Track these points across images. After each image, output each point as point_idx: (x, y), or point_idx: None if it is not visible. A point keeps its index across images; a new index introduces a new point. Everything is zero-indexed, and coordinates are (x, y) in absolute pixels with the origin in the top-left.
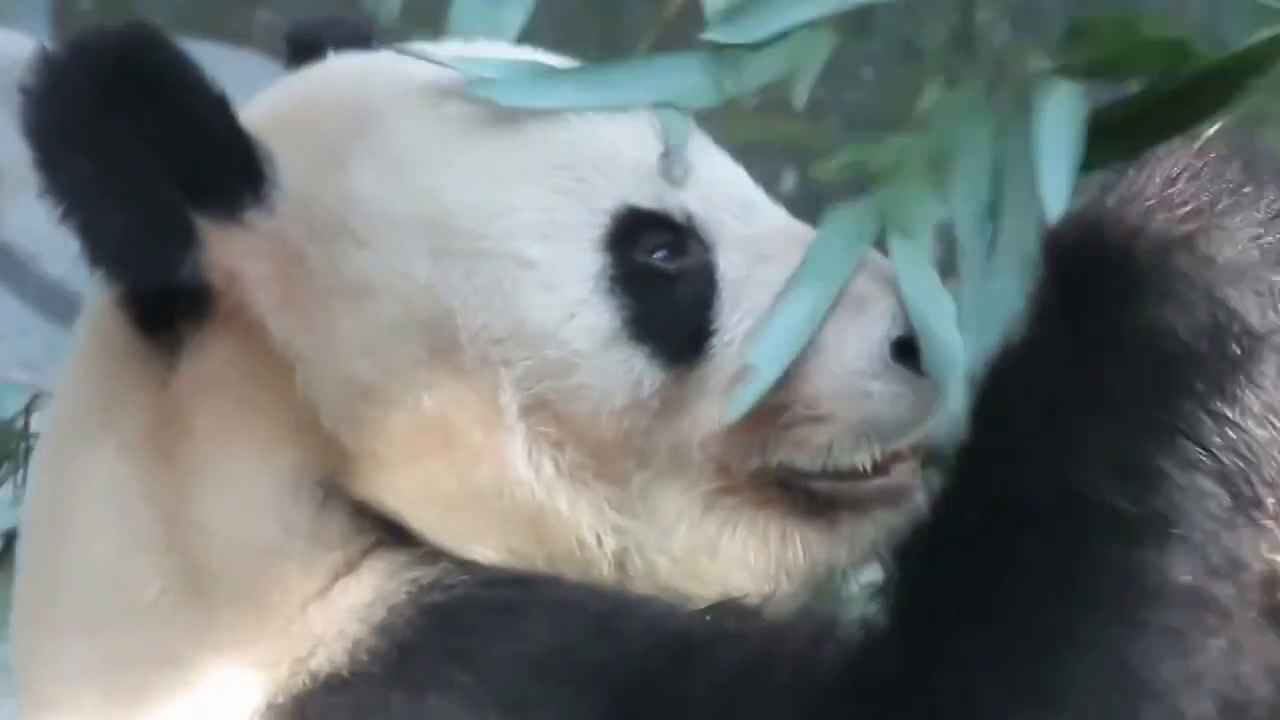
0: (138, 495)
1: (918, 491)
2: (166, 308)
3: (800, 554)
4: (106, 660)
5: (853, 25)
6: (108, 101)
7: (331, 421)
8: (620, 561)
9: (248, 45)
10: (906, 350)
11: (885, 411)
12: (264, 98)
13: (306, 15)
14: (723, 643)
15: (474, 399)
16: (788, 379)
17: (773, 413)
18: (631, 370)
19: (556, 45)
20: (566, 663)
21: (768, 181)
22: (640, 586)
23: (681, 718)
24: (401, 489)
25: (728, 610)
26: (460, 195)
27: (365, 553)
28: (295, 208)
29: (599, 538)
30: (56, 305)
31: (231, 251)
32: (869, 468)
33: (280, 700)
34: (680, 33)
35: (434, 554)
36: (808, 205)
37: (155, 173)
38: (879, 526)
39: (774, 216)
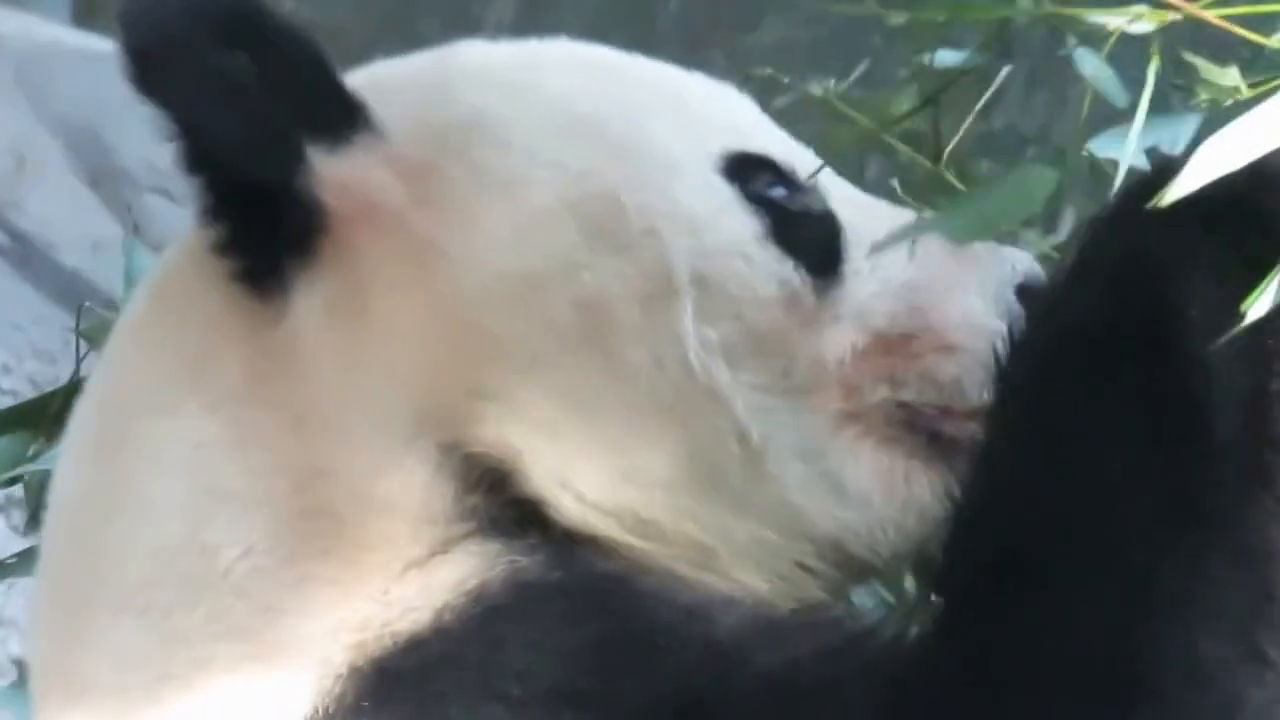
0: (234, 450)
1: None
2: (268, 249)
3: (921, 494)
4: (164, 639)
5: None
6: (211, 33)
7: (482, 317)
8: (759, 458)
9: None
10: (1029, 297)
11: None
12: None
13: (331, 5)
14: (797, 652)
15: (636, 273)
16: (914, 309)
17: (902, 342)
18: (781, 269)
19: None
20: (648, 648)
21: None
22: (757, 506)
23: (760, 707)
24: (540, 401)
25: (806, 616)
26: (594, 108)
27: (463, 537)
28: (408, 131)
29: (748, 420)
30: (72, 295)
31: (346, 167)
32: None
33: (361, 664)
34: (711, 35)
35: (532, 545)
36: None
37: (260, 91)
38: None
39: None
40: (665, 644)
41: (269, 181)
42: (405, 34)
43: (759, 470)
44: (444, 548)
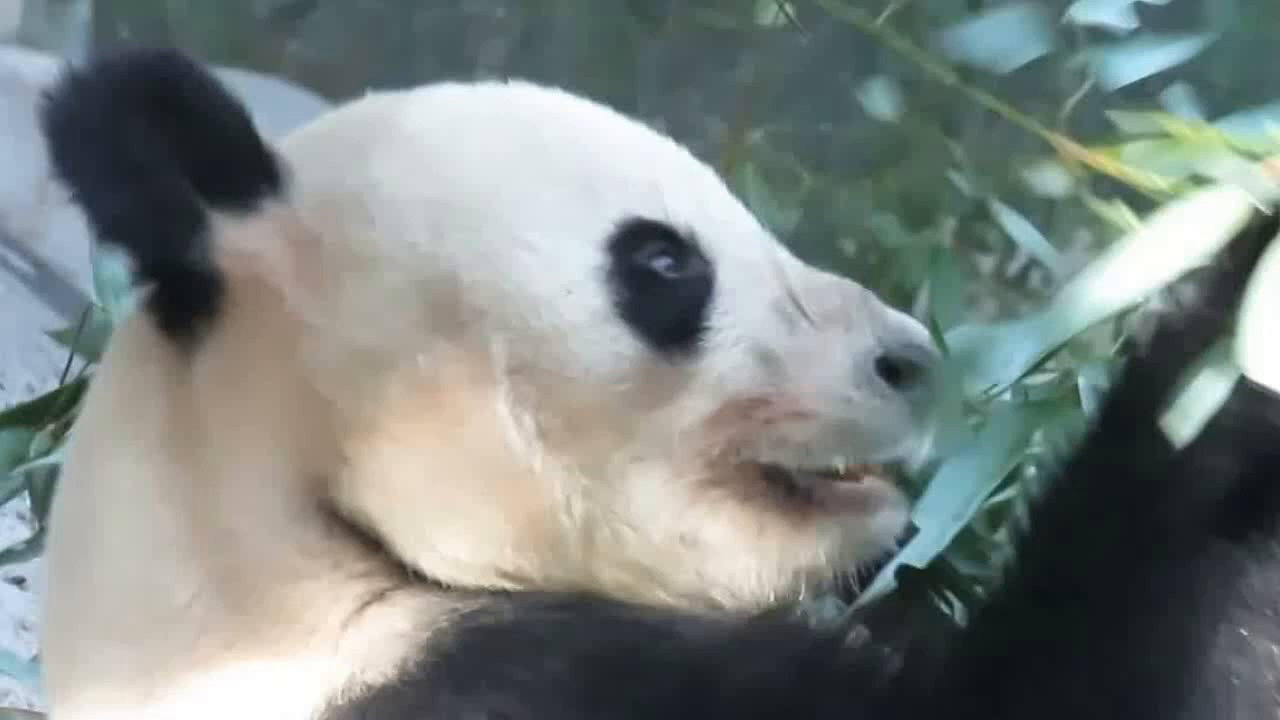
0: (161, 500)
1: (887, 503)
2: (186, 306)
3: (777, 545)
4: (144, 664)
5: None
6: (124, 104)
7: (331, 390)
8: (588, 530)
9: (278, 75)
10: (889, 371)
11: (864, 419)
12: (296, 130)
13: (332, 46)
14: (769, 663)
15: (465, 357)
16: (772, 377)
17: (754, 407)
18: (618, 347)
19: (571, 85)
20: (617, 674)
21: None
22: (606, 563)
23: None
24: (386, 471)
25: (770, 623)
26: (471, 180)
27: (391, 589)
28: (311, 198)
29: (568, 500)
30: None
31: (245, 235)
32: (842, 472)
33: (340, 703)
34: (690, 72)
35: (467, 591)
36: (808, 245)
37: (167, 163)
38: (846, 530)
39: (771, 249)
40: (636, 669)
41: (167, 253)
42: (402, 72)
43: (592, 539)
44: (379, 597)
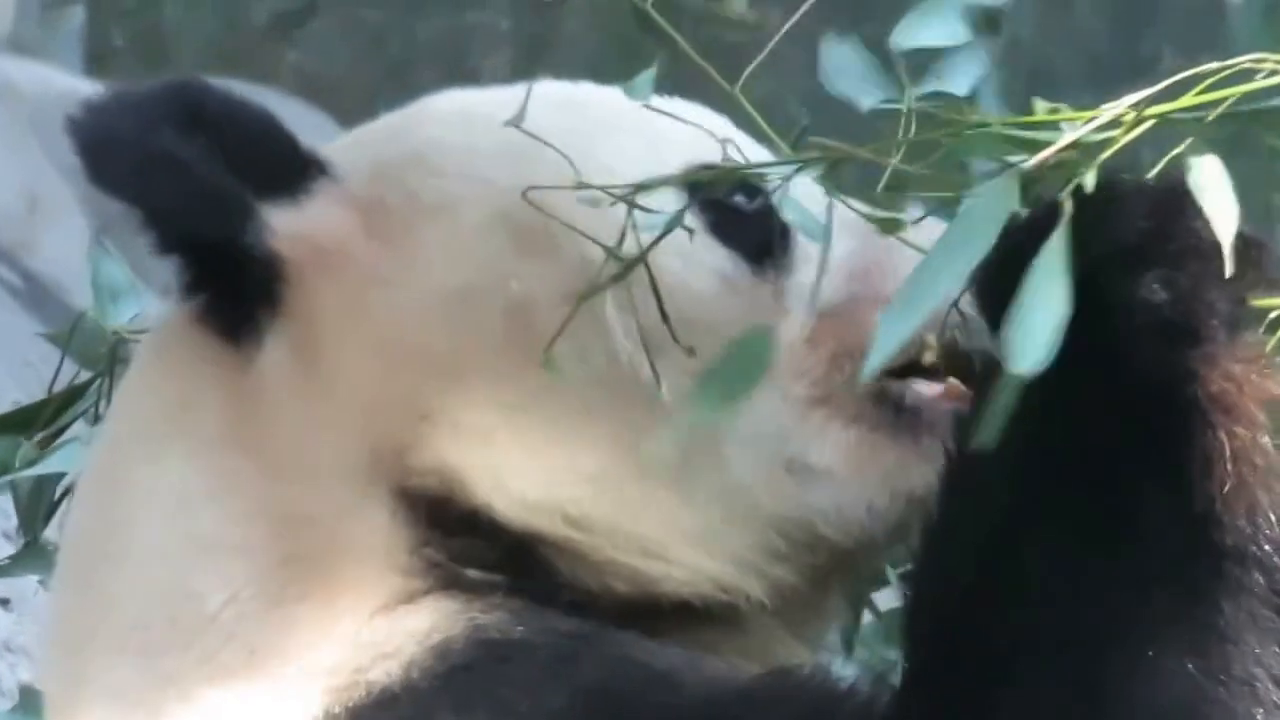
0: (213, 496)
1: None
2: (244, 303)
3: (888, 466)
4: (157, 680)
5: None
6: (153, 118)
7: (414, 342)
8: (689, 448)
9: (276, 85)
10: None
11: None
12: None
13: (332, 57)
14: (778, 706)
15: (561, 273)
16: (858, 281)
17: (847, 309)
18: (713, 258)
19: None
20: (621, 705)
21: None
22: (699, 490)
23: None
24: (475, 412)
25: (778, 680)
26: (538, 129)
27: (425, 592)
28: (360, 172)
29: (675, 409)
30: None
31: (301, 217)
32: (944, 373)
33: (336, 710)
34: (701, 85)
35: (493, 603)
36: None
37: (206, 163)
38: None
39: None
40: (635, 713)
41: (221, 242)
42: (406, 84)
43: (690, 460)
44: (408, 599)
